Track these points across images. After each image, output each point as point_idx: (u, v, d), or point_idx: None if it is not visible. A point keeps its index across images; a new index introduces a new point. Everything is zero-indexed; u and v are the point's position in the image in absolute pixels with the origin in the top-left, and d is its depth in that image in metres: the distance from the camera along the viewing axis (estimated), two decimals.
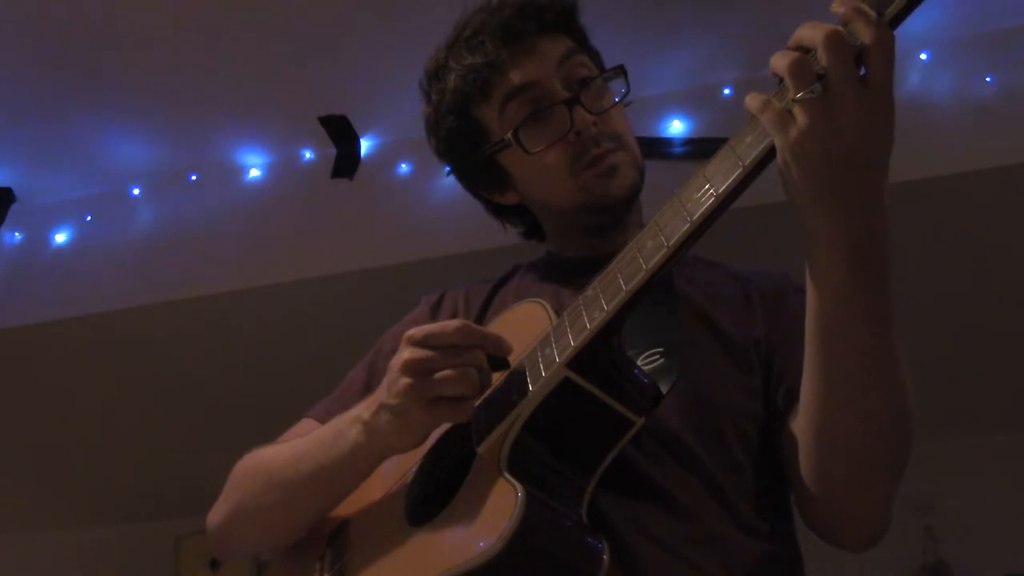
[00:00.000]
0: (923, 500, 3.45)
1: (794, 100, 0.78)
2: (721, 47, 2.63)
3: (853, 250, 0.84)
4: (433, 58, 1.28)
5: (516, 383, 0.98)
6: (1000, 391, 3.34)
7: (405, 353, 0.94)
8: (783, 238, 1.27)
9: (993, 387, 3.31)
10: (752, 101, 0.83)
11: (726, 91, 2.69)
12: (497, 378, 1.00)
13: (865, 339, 0.88)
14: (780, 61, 0.80)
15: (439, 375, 0.92)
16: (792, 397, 1.05)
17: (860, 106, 0.78)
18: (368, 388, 1.19)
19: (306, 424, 1.22)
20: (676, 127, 2.66)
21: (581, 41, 1.26)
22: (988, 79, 2.57)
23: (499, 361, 0.97)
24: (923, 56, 2.58)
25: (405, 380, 0.93)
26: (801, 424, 0.98)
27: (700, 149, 2.55)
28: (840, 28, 0.78)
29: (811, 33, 0.79)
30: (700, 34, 2.59)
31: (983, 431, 3.52)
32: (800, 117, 0.79)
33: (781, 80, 0.81)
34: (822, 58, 0.78)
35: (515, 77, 1.18)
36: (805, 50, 0.80)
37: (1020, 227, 2.73)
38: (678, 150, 2.61)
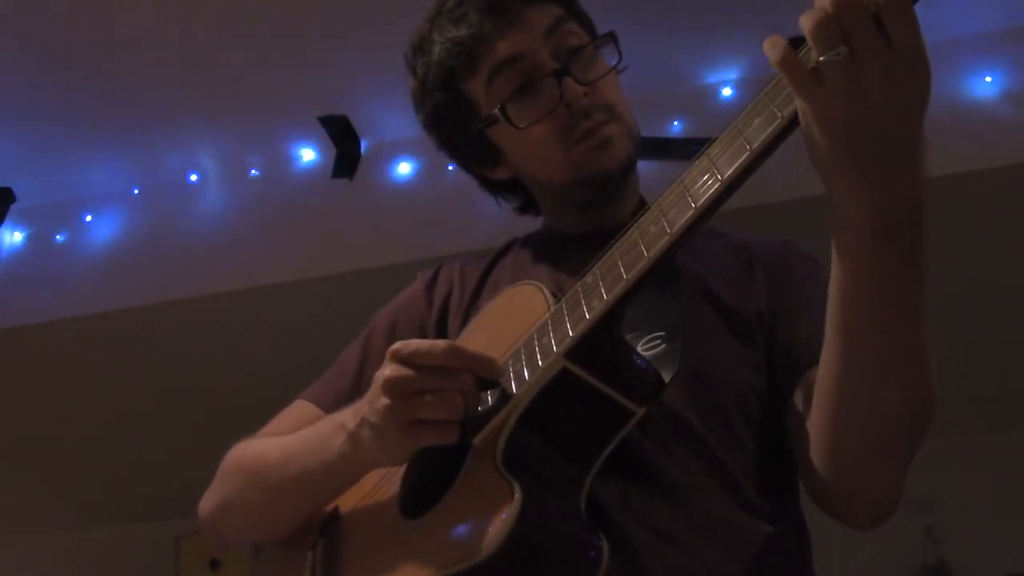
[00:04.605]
0: (923, 500, 3.45)
1: (818, 62, 0.73)
2: (721, 47, 2.63)
3: (880, 225, 0.78)
4: (417, 29, 1.22)
5: (513, 373, 0.95)
6: (1000, 391, 3.34)
7: (388, 370, 0.90)
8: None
9: (993, 387, 3.31)
10: (773, 52, 0.75)
11: (726, 91, 2.70)
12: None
13: (890, 320, 0.84)
14: (805, 20, 0.74)
15: (421, 399, 0.88)
16: (798, 371, 1.02)
17: (886, 69, 0.73)
18: (361, 372, 1.17)
19: (299, 406, 1.20)
20: (676, 127, 2.66)
21: (571, 8, 1.19)
22: (988, 79, 2.57)
23: (489, 383, 0.93)
24: None
25: (384, 400, 0.90)
26: (816, 402, 0.95)
27: (700, 149, 2.55)
28: None
29: None
30: (700, 34, 2.59)
31: (983, 430, 3.51)
32: (825, 79, 0.73)
33: (804, 41, 0.75)
34: (841, 19, 0.72)
35: (501, 49, 1.12)
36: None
37: (1020, 227, 2.73)
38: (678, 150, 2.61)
